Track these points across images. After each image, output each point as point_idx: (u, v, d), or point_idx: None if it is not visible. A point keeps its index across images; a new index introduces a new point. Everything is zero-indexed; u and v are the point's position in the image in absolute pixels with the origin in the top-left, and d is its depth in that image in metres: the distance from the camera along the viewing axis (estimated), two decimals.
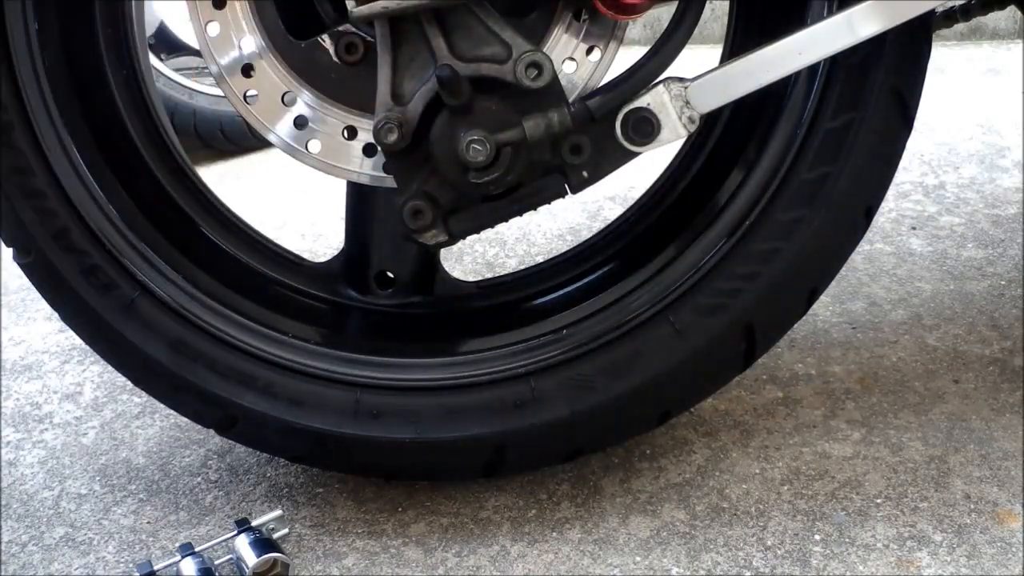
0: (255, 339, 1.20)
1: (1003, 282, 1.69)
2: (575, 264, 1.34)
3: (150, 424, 1.46)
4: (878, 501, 1.23)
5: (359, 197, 1.29)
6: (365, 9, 1.03)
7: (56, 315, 1.23)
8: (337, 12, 1.14)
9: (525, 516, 1.25)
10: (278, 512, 1.20)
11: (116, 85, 1.22)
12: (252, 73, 1.15)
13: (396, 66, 1.08)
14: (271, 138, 1.18)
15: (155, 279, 1.19)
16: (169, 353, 1.19)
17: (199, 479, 1.35)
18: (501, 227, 1.50)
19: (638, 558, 1.17)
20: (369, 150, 1.18)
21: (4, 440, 1.45)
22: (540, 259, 1.81)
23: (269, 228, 1.80)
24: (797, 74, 1.14)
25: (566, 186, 1.11)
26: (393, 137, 1.08)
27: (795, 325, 1.24)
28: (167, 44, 2.73)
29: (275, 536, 1.19)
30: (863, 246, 1.77)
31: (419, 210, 1.10)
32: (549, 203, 1.13)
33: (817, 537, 1.18)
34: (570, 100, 1.09)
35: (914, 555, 1.14)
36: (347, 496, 1.30)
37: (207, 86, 2.56)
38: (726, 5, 1.30)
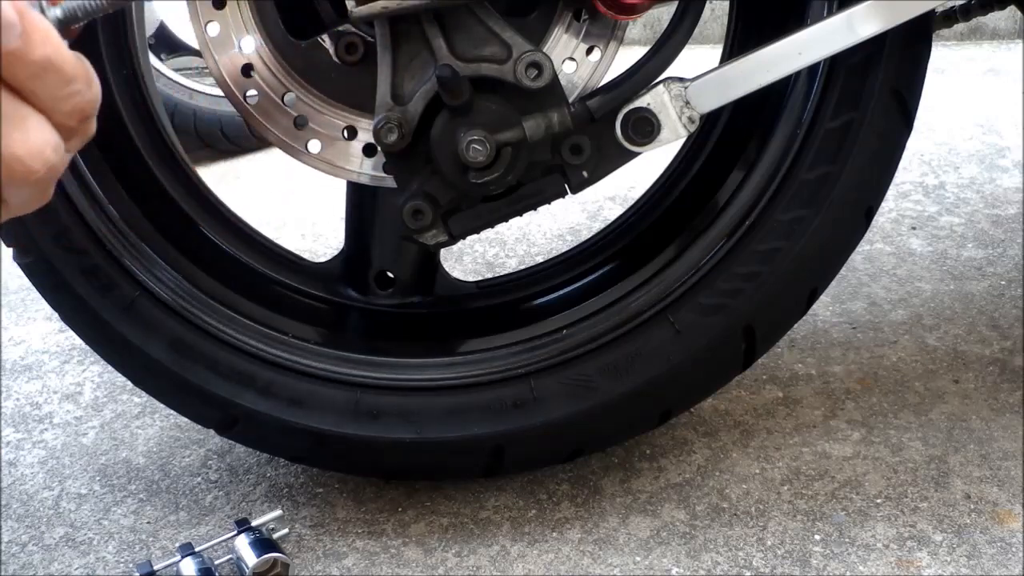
0: (255, 339, 1.20)
1: (1003, 282, 1.69)
2: (575, 264, 1.34)
3: (150, 424, 1.46)
4: (878, 501, 1.23)
5: (359, 197, 1.29)
6: (365, 9, 1.03)
7: (56, 315, 1.23)
8: (337, 12, 1.14)
9: (525, 516, 1.25)
10: (278, 512, 1.20)
11: (116, 85, 1.22)
12: (252, 73, 1.15)
13: (396, 66, 1.08)
14: (271, 138, 1.18)
15: (155, 279, 1.19)
16: (169, 353, 1.19)
17: (199, 479, 1.35)
18: (501, 227, 1.50)
19: (638, 558, 1.17)
20: (369, 150, 1.18)
21: (4, 440, 1.45)
22: (540, 259, 1.80)
23: (269, 228, 1.80)
24: (797, 74, 1.14)
25: (566, 186, 1.11)
26: (393, 137, 1.07)
27: (795, 325, 1.24)
28: (167, 44, 2.73)
29: (275, 536, 1.19)
30: (863, 246, 1.77)
31: (419, 210, 1.10)
32: (549, 203, 1.13)
33: (817, 537, 1.18)
34: (570, 100, 1.09)
35: (914, 555, 1.14)
36: (347, 496, 1.30)
37: (207, 86, 2.55)
38: (726, 5, 1.30)
